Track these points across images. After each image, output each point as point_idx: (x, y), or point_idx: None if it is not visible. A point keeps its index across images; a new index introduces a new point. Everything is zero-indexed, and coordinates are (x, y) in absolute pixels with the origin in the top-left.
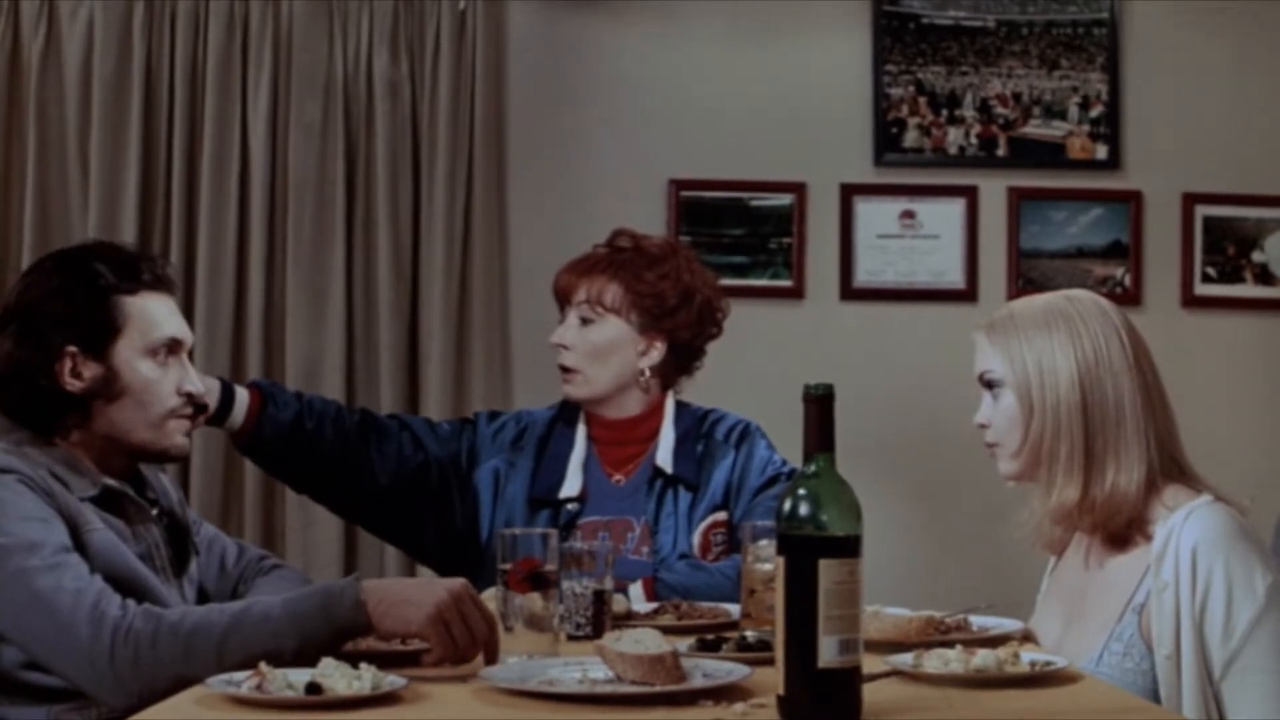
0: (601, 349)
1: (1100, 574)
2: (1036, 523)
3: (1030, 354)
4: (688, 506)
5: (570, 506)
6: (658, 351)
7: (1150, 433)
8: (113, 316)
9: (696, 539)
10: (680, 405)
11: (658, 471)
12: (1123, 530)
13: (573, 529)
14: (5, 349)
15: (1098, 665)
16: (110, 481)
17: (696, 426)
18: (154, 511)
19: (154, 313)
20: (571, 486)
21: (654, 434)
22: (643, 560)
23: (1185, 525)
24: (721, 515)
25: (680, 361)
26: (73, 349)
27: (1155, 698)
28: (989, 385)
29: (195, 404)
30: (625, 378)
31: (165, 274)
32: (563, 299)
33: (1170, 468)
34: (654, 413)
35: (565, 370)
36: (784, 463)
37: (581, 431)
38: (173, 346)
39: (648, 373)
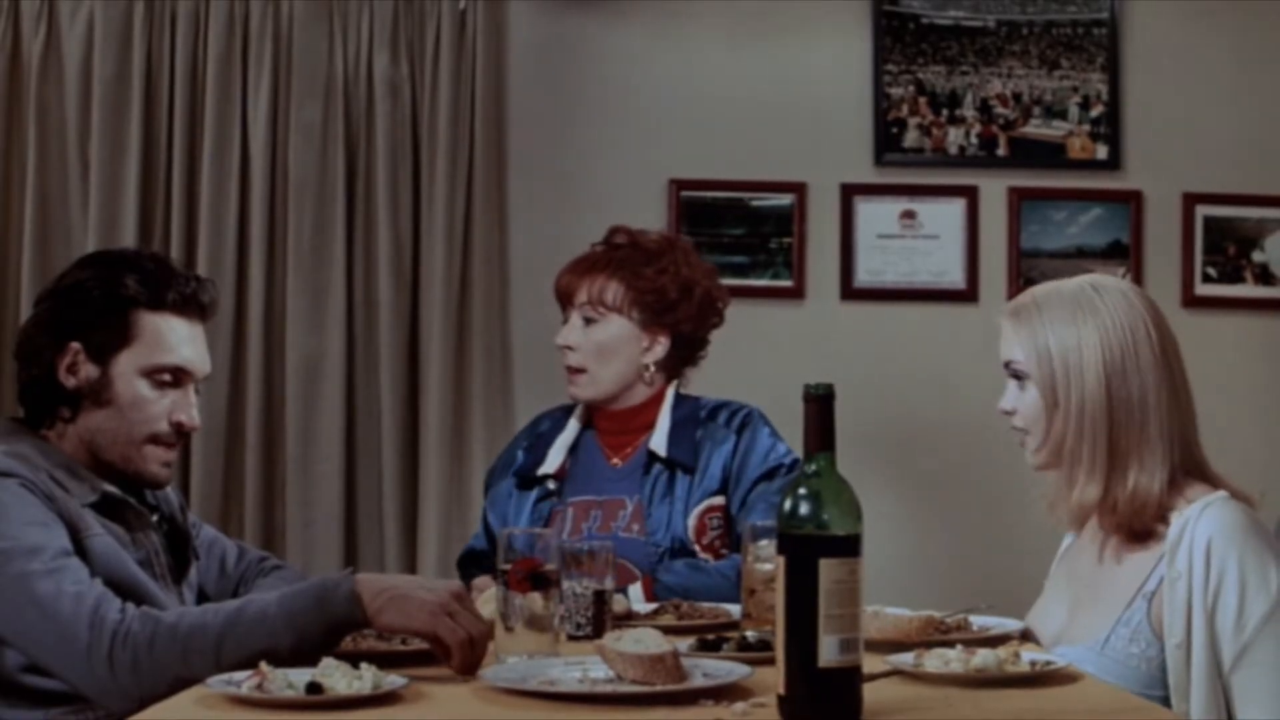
0: (606, 347)
1: (1113, 559)
2: (1054, 499)
3: (1056, 347)
4: (685, 490)
5: (549, 484)
6: (661, 346)
7: (1174, 430)
8: (125, 327)
9: (692, 521)
10: (681, 397)
11: (652, 455)
12: (1144, 528)
13: (563, 505)
14: (27, 326)
15: (1103, 648)
16: (110, 488)
17: (695, 413)
18: (154, 518)
19: (168, 335)
20: (550, 464)
21: (654, 422)
22: (634, 538)
23: (1201, 517)
24: (718, 500)
25: (684, 353)
26: (76, 346)
27: (1159, 685)
28: (1015, 375)
29: (183, 435)
30: (630, 374)
31: (198, 298)
32: (564, 300)
33: (1191, 465)
34: (655, 402)
35: (571, 370)
36: (787, 452)
37: (575, 419)
38: (176, 374)
39: (652, 368)
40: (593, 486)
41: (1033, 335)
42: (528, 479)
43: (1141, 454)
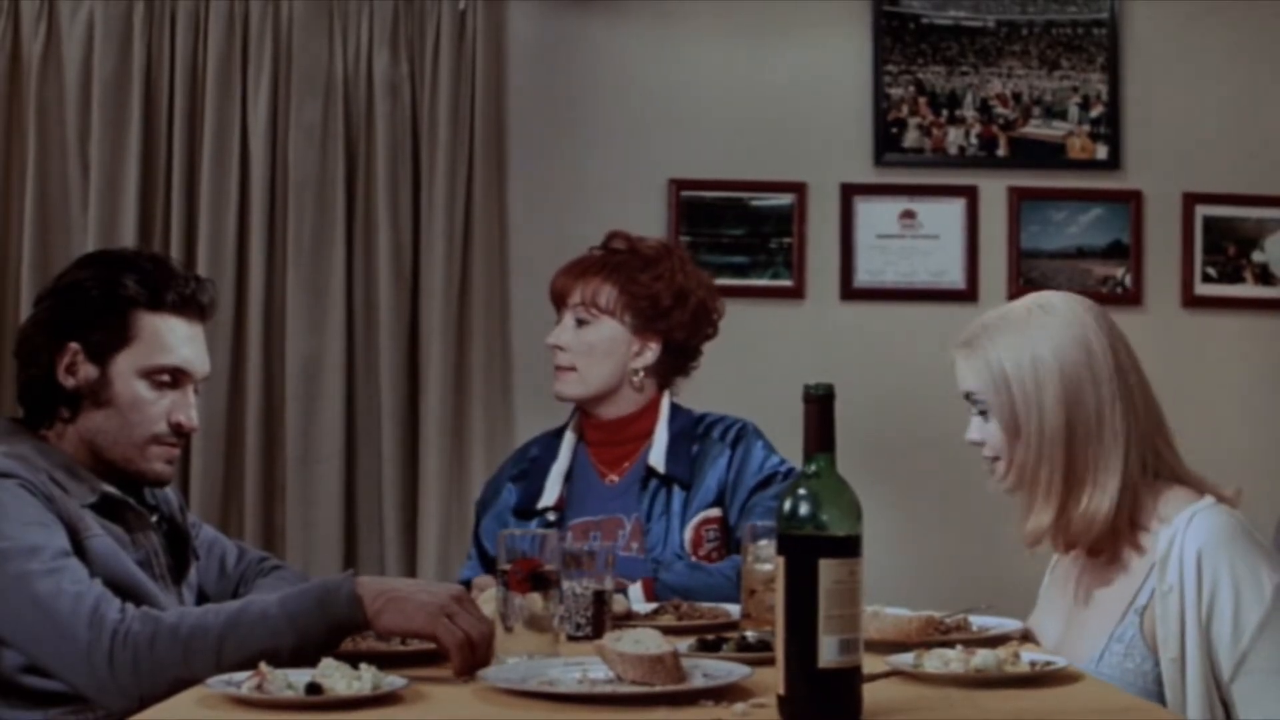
0: (597, 349)
1: (1102, 574)
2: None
3: (1013, 373)
4: (681, 505)
5: (549, 515)
6: (652, 352)
7: (1131, 438)
8: (124, 327)
9: (688, 535)
10: (676, 408)
11: (650, 471)
12: (1104, 542)
13: (563, 531)
14: (26, 326)
15: (1098, 665)
16: (109, 488)
17: (692, 427)
18: (153, 519)
19: (168, 336)
20: (549, 497)
21: (647, 433)
22: (633, 556)
23: (1189, 528)
24: (714, 512)
25: (676, 362)
26: (75, 346)
27: (1155, 699)
28: (976, 405)
29: (182, 435)
30: (618, 377)
31: (197, 299)
32: (558, 301)
33: (1160, 467)
34: (648, 412)
35: (560, 369)
36: (782, 462)
37: (568, 441)
38: (175, 374)
39: (641, 373)
40: (590, 507)
41: (987, 365)
42: (527, 513)
43: (1097, 471)
